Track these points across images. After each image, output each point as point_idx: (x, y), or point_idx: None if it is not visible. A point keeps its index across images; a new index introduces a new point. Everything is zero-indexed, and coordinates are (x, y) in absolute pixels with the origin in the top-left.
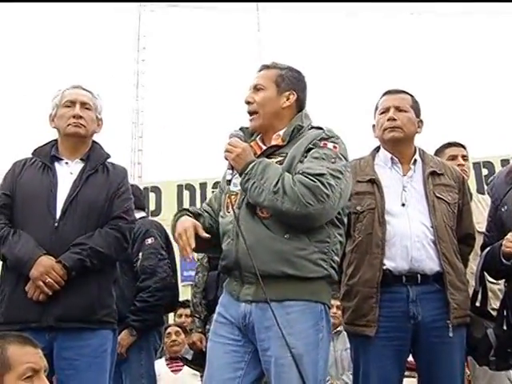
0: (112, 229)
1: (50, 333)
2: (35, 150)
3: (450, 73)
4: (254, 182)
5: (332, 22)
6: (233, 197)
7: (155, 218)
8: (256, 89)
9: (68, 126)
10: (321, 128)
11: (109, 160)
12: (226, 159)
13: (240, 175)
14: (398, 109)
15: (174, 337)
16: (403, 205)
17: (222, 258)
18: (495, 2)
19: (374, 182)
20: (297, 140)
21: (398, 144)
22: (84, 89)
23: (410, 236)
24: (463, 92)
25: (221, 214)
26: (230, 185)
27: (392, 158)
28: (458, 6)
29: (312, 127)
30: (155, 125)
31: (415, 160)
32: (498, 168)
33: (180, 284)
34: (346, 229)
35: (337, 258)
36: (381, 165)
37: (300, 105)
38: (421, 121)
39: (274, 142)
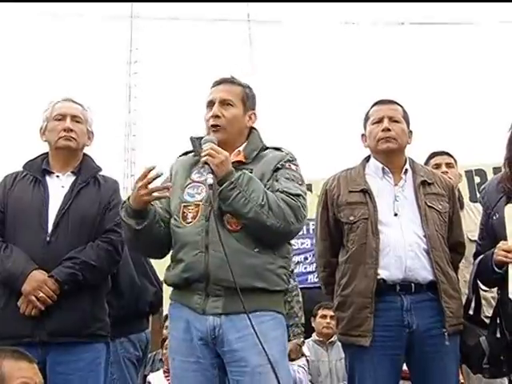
0: (104, 242)
1: (43, 348)
2: (26, 164)
3: (442, 82)
4: (240, 192)
5: (320, 34)
6: (191, 208)
7: None
8: (224, 103)
9: (59, 139)
10: (279, 149)
11: (100, 173)
12: (206, 163)
13: (219, 183)
14: (392, 119)
15: None
16: (395, 215)
17: (184, 270)
18: None
19: (366, 192)
20: (259, 158)
21: (392, 155)
22: (74, 102)
23: (403, 246)
24: (456, 101)
25: (174, 223)
26: (212, 189)
27: (383, 168)
28: (447, 16)
29: (268, 147)
30: (148, 137)
31: (406, 170)
32: (490, 176)
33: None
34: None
35: (290, 270)
36: (372, 175)
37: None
38: (410, 131)
39: (234, 158)
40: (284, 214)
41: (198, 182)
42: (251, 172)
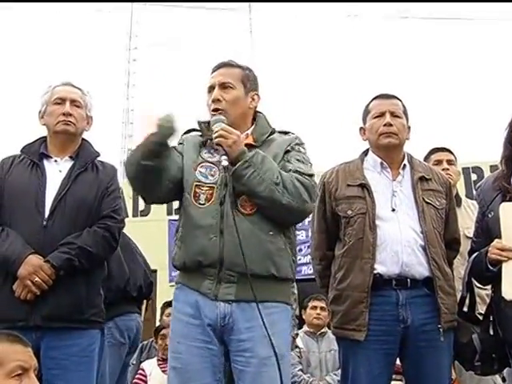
0: (101, 228)
1: (37, 332)
2: (24, 147)
3: (440, 78)
4: (255, 171)
5: (322, 26)
6: (204, 189)
7: (144, 219)
8: (224, 87)
9: (57, 123)
10: (288, 132)
11: (98, 158)
12: (219, 145)
13: (233, 162)
14: (393, 114)
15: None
16: (393, 210)
17: (197, 253)
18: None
19: (364, 186)
20: (269, 142)
21: (392, 150)
22: (74, 86)
23: (400, 241)
24: (453, 98)
25: (187, 203)
26: (227, 172)
27: (382, 163)
28: (450, 11)
29: (276, 131)
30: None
31: (404, 165)
32: (486, 173)
33: (168, 284)
34: None
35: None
36: (370, 169)
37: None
38: (409, 127)
39: (244, 141)
40: (299, 192)
41: (210, 162)
42: None
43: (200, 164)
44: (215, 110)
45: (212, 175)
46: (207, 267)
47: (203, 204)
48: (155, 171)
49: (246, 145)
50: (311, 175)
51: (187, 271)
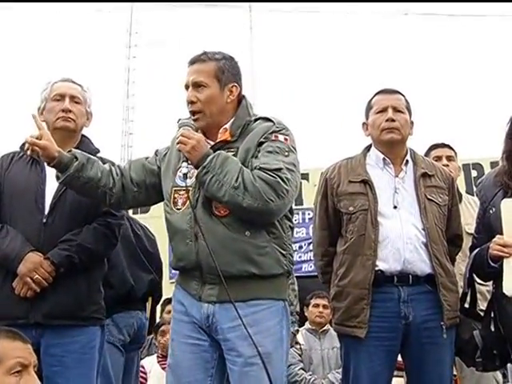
0: (101, 225)
1: (38, 329)
2: (23, 144)
3: (440, 74)
4: (213, 176)
5: (322, 23)
6: (181, 193)
7: (144, 215)
8: (197, 86)
9: (57, 119)
10: (269, 119)
11: (98, 155)
12: (179, 151)
13: (196, 168)
14: (396, 109)
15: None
16: (395, 207)
17: (179, 258)
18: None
19: (366, 182)
20: (246, 133)
21: (394, 145)
22: (74, 82)
23: (402, 238)
24: (454, 94)
25: (166, 208)
26: (186, 178)
27: (384, 159)
28: (449, 7)
29: (259, 118)
30: (146, 122)
31: (407, 161)
32: (487, 170)
33: (168, 281)
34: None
35: (292, 252)
36: (372, 165)
37: (240, 93)
38: (412, 122)
39: (221, 137)
40: (260, 192)
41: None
42: (236, 151)
43: (180, 168)
44: (191, 112)
45: (190, 178)
46: (191, 270)
47: (180, 208)
48: (78, 182)
49: (222, 141)
50: (279, 169)
51: (180, 272)
